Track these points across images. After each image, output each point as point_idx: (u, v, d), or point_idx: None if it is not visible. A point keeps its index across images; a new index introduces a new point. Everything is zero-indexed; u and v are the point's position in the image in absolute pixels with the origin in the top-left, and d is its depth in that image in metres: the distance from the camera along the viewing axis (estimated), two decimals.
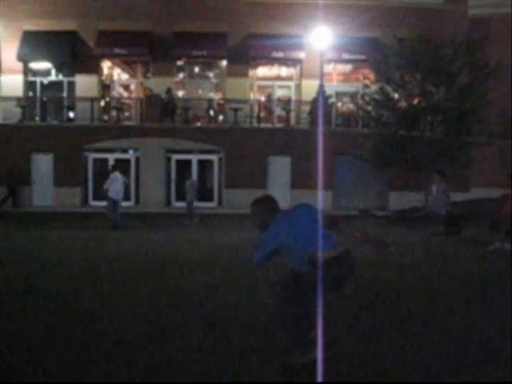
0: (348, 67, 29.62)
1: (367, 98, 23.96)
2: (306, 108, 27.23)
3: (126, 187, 20.58)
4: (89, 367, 4.84)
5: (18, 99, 27.30)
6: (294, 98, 29.03)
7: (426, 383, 4.64)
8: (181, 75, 29.32)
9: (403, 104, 23.33)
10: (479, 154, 22.83)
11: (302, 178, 24.73)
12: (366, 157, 22.92)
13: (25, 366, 4.84)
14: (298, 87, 28.85)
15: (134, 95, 29.38)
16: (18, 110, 26.81)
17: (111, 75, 29.52)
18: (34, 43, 27.03)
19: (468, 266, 10.13)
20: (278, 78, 29.64)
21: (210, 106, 28.30)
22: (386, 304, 7.12)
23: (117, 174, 19.31)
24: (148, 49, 27.49)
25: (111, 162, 26.21)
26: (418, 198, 23.22)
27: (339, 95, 29.00)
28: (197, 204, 25.72)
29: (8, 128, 26.10)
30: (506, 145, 25.40)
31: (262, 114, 28.37)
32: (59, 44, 27.31)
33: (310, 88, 27.03)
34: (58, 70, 28.66)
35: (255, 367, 4.84)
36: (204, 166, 26.67)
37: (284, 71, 29.63)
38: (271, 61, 28.94)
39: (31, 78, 28.52)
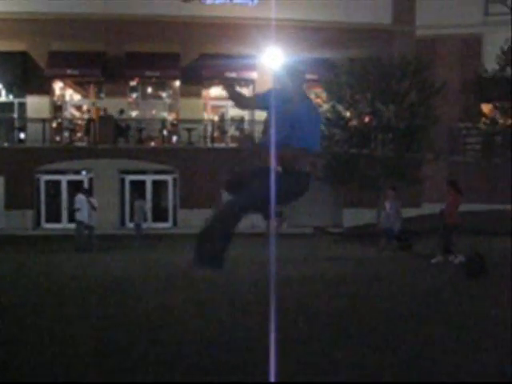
0: None
1: None
2: (260, 127, 27.40)
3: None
4: None
5: None
6: (247, 117, 29.22)
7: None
8: (134, 95, 29.25)
9: (354, 122, 23.80)
10: (429, 170, 23.37)
11: None
12: (319, 175, 23.20)
13: None
14: None
15: (86, 116, 29.12)
16: None
17: (63, 96, 29.26)
18: None
19: (407, 279, 10.40)
20: None
21: (164, 127, 28.26)
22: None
23: (80, 196, 19.10)
24: (100, 69, 27.35)
25: (64, 184, 26.01)
26: (371, 214, 23.63)
27: None
28: (151, 225, 25.72)
29: None
30: (455, 161, 26.05)
31: (216, 134, 28.49)
32: (9, 65, 27.00)
33: None
34: (9, 90, 28.28)
35: None
36: (158, 186, 26.60)
37: None
38: (224, 81, 29.03)
39: None
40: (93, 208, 18.89)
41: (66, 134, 27.67)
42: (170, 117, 29.33)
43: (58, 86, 28.84)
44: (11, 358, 5.55)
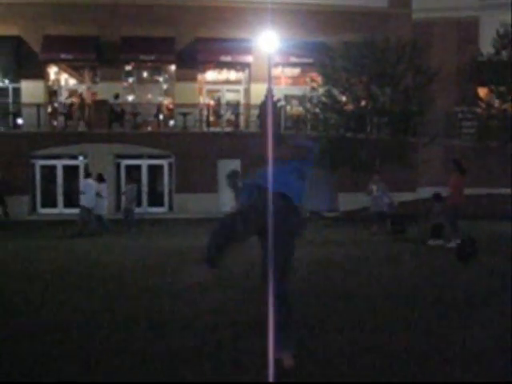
0: (296, 71, 29.88)
1: (315, 101, 24.26)
2: (255, 112, 27.35)
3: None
4: None
5: None
6: (242, 101, 29.15)
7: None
8: (129, 80, 29.12)
9: (350, 106, 23.73)
10: (425, 154, 23.35)
11: None
12: (315, 159, 23.15)
13: None
14: (247, 91, 28.98)
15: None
16: None
17: (58, 80, 29.11)
18: None
19: (399, 262, 10.45)
20: (227, 81, 29.72)
21: (159, 111, 28.16)
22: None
23: (89, 181, 18.75)
24: (95, 54, 27.17)
25: (59, 169, 25.95)
26: (367, 198, 23.63)
27: (288, 98, 29.23)
28: (147, 209, 25.74)
29: None
30: (451, 145, 26.01)
31: (212, 118, 28.42)
32: (3, 49, 26.84)
33: (258, 92, 27.10)
34: (3, 75, 28.11)
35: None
36: (154, 171, 26.56)
37: (233, 75, 29.72)
38: (220, 65, 28.98)
39: None
40: (97, 195, 18.45)
41: (62, 118, 27.42)
42: (165, 101, 29.21)
43: (52, 70, 28.68)
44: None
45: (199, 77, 28.82)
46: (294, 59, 28.33)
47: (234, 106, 28.86)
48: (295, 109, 29.09)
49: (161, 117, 28.18)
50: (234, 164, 26.01)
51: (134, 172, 24.93)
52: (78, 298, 7.77)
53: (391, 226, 16.83)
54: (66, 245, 15.20)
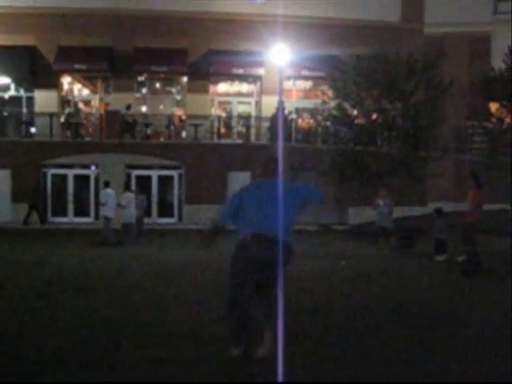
0: (308, 84, 29.97)
1: (326, 114, 24.32)
2: (266, 124, 27.47)
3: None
4: None
5: None
6: (254, 113, 29.25)
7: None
8: (142, 91, 29.32)
9: (360, 120, 23.75)
10: (436, 169, 23.27)
11: None
12: (325, 172, 23.18)
13: None
14: (258, 103, 29.11)
15: (94, 111, 29.22)
16: None
17: (71, 90, 29.38)
18: None
19: (403, 278, 10.42)
20: (239, 94, 29.87)
21: (171, 122, 28.30)
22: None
23: (109, 191, 18.98)
24: (108, 64, 27.45)
25: (71, 178, 26.12)
26: (374, 213, 23.61)
27: (299, 111, 29.31)
28: (156, 220, 25.81)
29: None
30: (461, 160, 25.96)
31: (223, 130, 28.56)
32: (18, 59, 27.13)
33: (269, 104, 27.28)
34: (17, 85, 28.41)
35: None
36: (164, 181, 26.66)
37: (244, 87, 29.87)
38: (231, 77, 29.16)
39: None
40: (118, 204, 18.65)
41: (74, 128, 27.60)
42: (177, 112, 29.38)
43: (66, 80, 28.97)
44: None
45: (211, 88, 29.00)
46: (305, 72, 28.45)
47: (245, 118, 28.96)
48: (306, 122, 29.15)
49: (172, 128, 28.33)
50: (244, 176, 26.13)
51: (143, 182, 25.11)
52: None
53: (400, 241, 16.74)
54: (93, 254, 15.24)
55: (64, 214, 25.99)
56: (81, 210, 26.16)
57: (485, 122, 24.03)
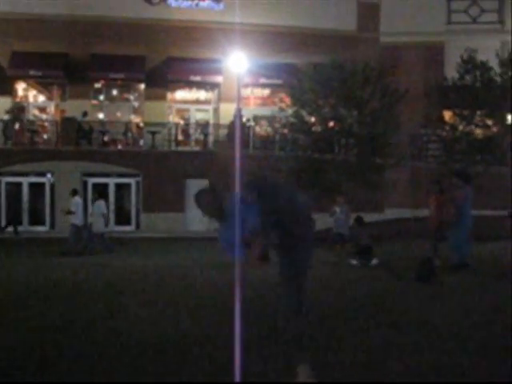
0: (265, 91, 30.12)
1: (283, 122, 24.47)
2: (224, 131, 27.48)
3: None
4: None
5: None
6: (212, 121, 29.24)
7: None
8: (98, 98, 29.04)
9: (317, 128, 23.95)
10: (391, 176, 23.63)
11: None
12: (283, 179, 23.27)
13: None
14: (216, 111, 29.12)
15: (49, 117, 28.80)
16: None
17: (26, 97, 28.92)
18: None
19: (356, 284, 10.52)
20: (197, 101, 29.83)
21: (128, 129, 28.08)
22: None
23: (77, 199, 18.83)
24: (64, 71, 27.11)
25: (25, 186, 25.68)
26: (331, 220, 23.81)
27: (257, 119, 29.41)
28: (114, 228, 25.51)
29: None
30: (417, 167, 26.36)
31: (180, 138, 28.47)
32: None
33: (228, 111, 27.34)
34: None
35: None
36: (121, 189, 26.41)
37: (202, 95, 29.84)
38: (190, 84, 29.12)
39: None
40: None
41: (29, 135, 27.16)
42: (134, 119, 29.19)
43: (20, 86, 28.51)
44: None
45: (169, 96, 28.91)
46: (263, 80, 28.58)
47: (203, 126, 28.93)
48: (264, 129, 29.27)
49: (129, 135, 28.11)
50: (202, 183, 26.07)
51: (100, 190, 24.81)
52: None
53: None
54: (59, 263, 14.97)
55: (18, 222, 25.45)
56: (36, 219, 25.70)
57: (439, 129, 24.46)
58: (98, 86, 28.77)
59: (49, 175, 25.91)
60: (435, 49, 29.27)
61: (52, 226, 25.54)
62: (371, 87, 22.81)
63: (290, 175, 23.13)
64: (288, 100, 25.38)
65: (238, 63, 25.81)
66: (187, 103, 29.72)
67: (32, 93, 29.03)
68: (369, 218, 24.81)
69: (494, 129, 22.75)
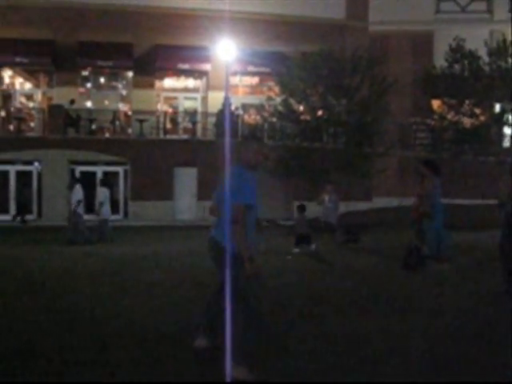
0: (254, 80, 30.03)
1: (272, 110, 24.40)
2: (213, 119, 27.37)
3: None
4: None
5: None
6: (200, 109, 29.11)
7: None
8: (86, 85, 28.81)
9: (306, 116, 23.92)
10: (380, 164, 23.64)
11: (209, 189, 24.72)
12: (271, 168, 23.24)
13: None
14: (205, 99, 28.99)
15: (36, 105, 28.55)
16: None
17: (13, 84, 28.64)
18: None
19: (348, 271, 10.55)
20: (185, 89, 29.67)
21: (116, 117, 27.89)
22: None
23: (106, 189, 18.18)
24: (51, 58, 26.85)
25: (12, 175, 25.47)
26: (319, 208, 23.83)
27: (245, 107, 29.31)
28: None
29: None
30: (405, 156, 26.42)
31: (169, 126, 28.33)
32: None
33: (216, 100, 27.20)
34: None
35: None
36: (110, 177, 26.20)
37: (191, 83, 29.68)
38: (178, 72, 28.94)
39: None
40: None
41: (16, 123, 26.92)
42: (122, 107, 29.00)
43: (7, 74, 28.24)
44: None
45: (157, 84, 28.73)
46: (251, 68, 28.47)
47: (192, 114, 28.79)
48: (253, 118, 29.18)
49: (117, 123, 27.93)
50: (191, 172, 26.01)
51: (88, 178, 24.63)
52: None
53: (345, 236, 16.83)
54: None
55: (5, 211, 25.30)
56: (23, 207, 25.49)
57: (427, 118, 24.50)
58: (85, 73, 28.53)
59: (36, 163, 25.70)
60: (424, 38, 29.30)
61: (39, 214, 25.36)
62: (360, 76, 22.81)
63: (279, 164, 23.14)
64: (277, 89, 25.30)
65: (226, 51, 25.71)
66: (175, 91, 29.56)
67: (19, 80, 28.73)
68: (358, 206, 25.08)
69: (482, 118, 22.76)
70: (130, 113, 28.48)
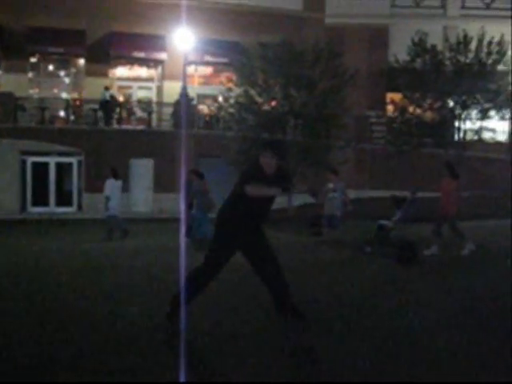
0: (209, 70, 29.62)
1: (231, 101, 24.06)
2: (168, 110, 26.83)
3: None
4: None
5: None
6: (155, 99, 28.51)
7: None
8: (35, 72, 27.76)
9: (266, 107, 23.70)
10: (339, 157, 23.65)
11: (164, 181, 24.30)
12: (232, 159, 22.94)
13: None
14: (160, 88, 28.40)
15: None
16: None
17: None
18: None
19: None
20: (139, 78, 29.01)
21: (68, 106, 26.98)
22: None
23: (113, 181, 16.43)
24: None
25: None
26: (282, 199, 23.65)
27: (200, 98, 28.88)
28: (54, 209, 24.61)
29: None
30: (362, 148, 26.56)
31: (123, 115, 27.58)
32: None
33: (171, 90, 26.71)
34: None
35: None
36: (62, 168, 25.38)
37: (145, 72, 29.04)
38: (132, 61, 28.25)
39: None
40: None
41: None
42: (74, 96, 28.09)
43: None
44: None
45: (110, 72, 27.95)
46: (207, 58, 28.11)
47: (147, 104, 28.14)
48: (209, 108, 28.79)
49: (69, 112, 27.01)
50: (147, 163, 25.41)
51: (40, 169, 23.92)
52: None
53: (311, 229, 16.46)
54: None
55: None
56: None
57: (384, 111, 24.65)
58: (34, 60, 27.51)
59: None
60: (379, 31, 29.45)
61: None
62: (321, 67, 22.73)
63: (240, 155, 22.85)
64: (234, 79, 24.95)
65: (183, 40, 25.25)
66: (129, 80, 28.85)
67: None
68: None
69: (442, 112, 23.04)
70: (81, 101, 27.58)
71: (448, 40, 23.95)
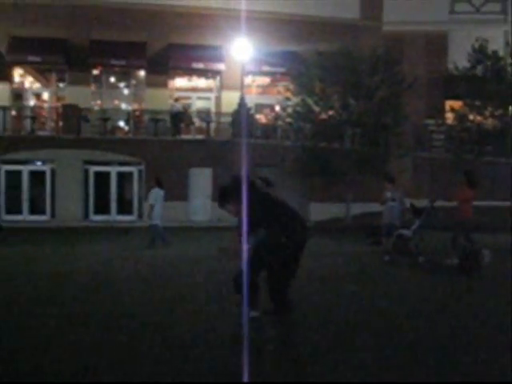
0: (267, 79, 29.82)
1: (289, 111, 24.19)
2: (226, 119, 27.11)
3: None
4: None
5: None
6: (213, 109, 28.86)
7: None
8: (98, 85, 28.53)
9: (324, 116, 23.73)
10: (398, 166, 23.47)
11: None
12: (289, 169, 23.07)
13: None
14: (218, 99, 28.75)
15: (48, 104, 28.25)
16: None
17: (24, 83, 28.35)
18: None
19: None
20: (198, 89, 29.43)
21: (130, 117, 27.60)
22: None
23: (158, 190, 16.30)
24: (63, 57, 26.60)
25: (25, 175, 25.11)
26: (337, 209, 23.67)
27: (258, 107, 29.08)
28: (115, 217, 25.17)
29: None
30: (421, 156, 26.23)
31: (182, 126, 28.01)
32: None
33: (229, 100, 26.97)
34: None
35: None
36: (123, 178, 25.96)
37: (204, 82, 29.46)
38: (191, 72, 28.70)
39: None
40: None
41: (28, 122, 26.62)
42: (135, 107, 28.72)
43: (18, 73, 27.95)
44: None
45: (170, 83, 28.47)
46: (265, 68, 28.27)
47: (205, 114, 28.51)
48: (267, 118, 28.99)
49: (131, 123, 27.65)
50: (206, 172, 25.72)
51: (101, 179, 24.54)
52: None
53: (371, 238, 16.29)
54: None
55: (19, 211, 24.97)
56: (35, 208, 25.20)
57: (444, 119, 24.31)
58: (97, 72, 28.27)
59: (49, 163, 25.27)
60: (438, 38, 29.12)
61: (53, 215, 25.02)
62: (380, 75, 22.65)
63: (296, 164, 22.97)
64: (292, 88, 25.08)
65: (240, 50, 25.52)
66: (188, 91, 29.31)
67: (30, 79, 28.45)
68: (372, 207, 24.88)
69: (504, 119, 22.61)
70: (141, 112, 28.17)
71: (509, 45, 23.47)
